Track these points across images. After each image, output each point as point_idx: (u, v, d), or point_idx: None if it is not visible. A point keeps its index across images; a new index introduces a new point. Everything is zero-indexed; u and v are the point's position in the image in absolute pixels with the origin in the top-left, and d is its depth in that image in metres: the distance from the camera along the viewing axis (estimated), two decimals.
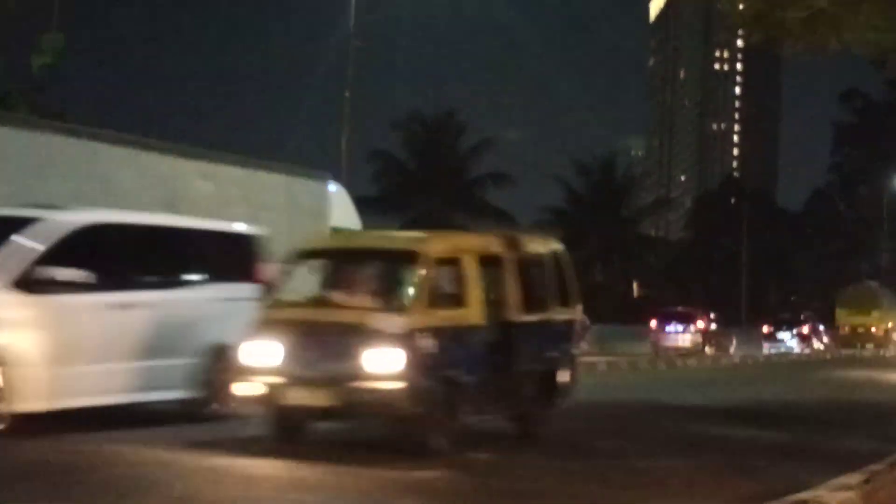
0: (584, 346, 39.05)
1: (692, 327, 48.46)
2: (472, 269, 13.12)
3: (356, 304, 12.48)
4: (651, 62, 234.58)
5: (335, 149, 41.11)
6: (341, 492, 10.03)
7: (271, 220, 20.67)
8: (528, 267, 14.32)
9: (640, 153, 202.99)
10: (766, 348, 57.74)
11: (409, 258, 12.76)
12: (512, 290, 13.80)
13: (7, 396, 12.12)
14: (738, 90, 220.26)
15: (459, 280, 13.10)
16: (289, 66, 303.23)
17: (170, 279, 14.55)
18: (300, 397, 12.05)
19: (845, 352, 60.93)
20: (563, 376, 14.70)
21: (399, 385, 11.78)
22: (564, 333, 15.07)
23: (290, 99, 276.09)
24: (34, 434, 12.00)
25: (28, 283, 12.44)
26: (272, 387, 12.08)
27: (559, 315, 14.81)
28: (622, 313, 50.79)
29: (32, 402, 12.36)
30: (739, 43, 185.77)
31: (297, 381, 11.99)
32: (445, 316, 12.61)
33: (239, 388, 12.43)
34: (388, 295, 12.80)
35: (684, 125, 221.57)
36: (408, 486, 10.42)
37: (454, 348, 12.54)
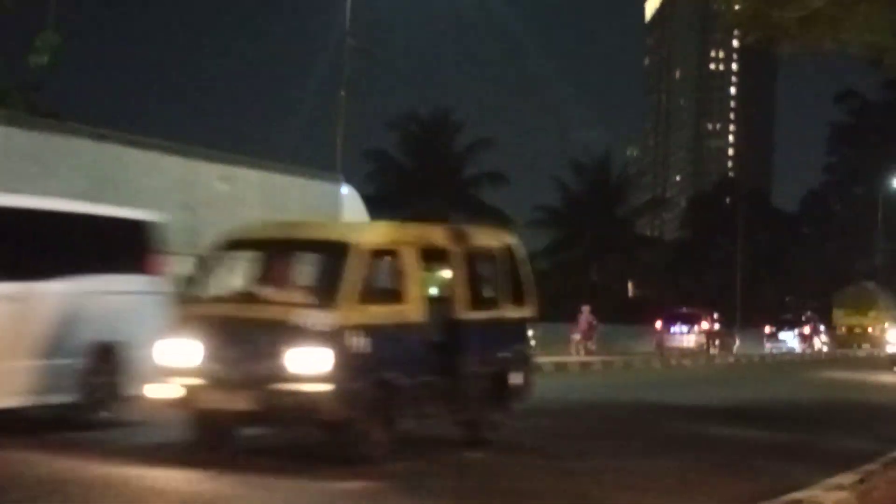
0: (592, 346, 39.59)
1: (696, 328, 49.12)
2: (411, 263, 12.22)
3: (282, 300, 11.56)
4: (647, 61, 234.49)
5: (331, 148, 41.11)
6: None
7: (285, 219, 20.36)
8: (478, 261, 13.52)
9: (635, 152, 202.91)
10: (769, 348, 58.31)
11: (340, 250, 11.69)
12: (458, 286, 12.95)
13: None
14: (733, 90, 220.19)
15: (397, 274, 12.20)
16: (285, 66, 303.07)
17: (48, 269, 12.83)
18: (219, 400, 11.13)
19: (840, 351, 61.14)
20: (515, 378, 13.78)
21: (326, 387, 10.88)
22: (517, 333, 14.12)
23: (286, 98, 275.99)
24: None
25: None
26: (190, 389, 11.18)
27: (512, 313, 13.89)
28: (621, 313, 50.83)
29: None
30: (735, 43, 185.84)
31: (216, 382, 11.11)
32: (381, 312, 11.71)
33: (153, 390, 11.47)
34: (318, 289, 11.89)
35: (680, 125, 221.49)
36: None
37: (390, 348, 11.63)
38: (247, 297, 11.82)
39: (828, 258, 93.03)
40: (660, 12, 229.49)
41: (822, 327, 66.88)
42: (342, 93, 41.05)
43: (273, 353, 10.94)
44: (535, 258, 76.31)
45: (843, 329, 68.36)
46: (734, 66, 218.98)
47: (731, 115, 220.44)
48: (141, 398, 12.16)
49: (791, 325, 63.64)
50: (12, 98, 26.44)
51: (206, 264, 12.26)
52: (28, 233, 12.84)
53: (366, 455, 11.22)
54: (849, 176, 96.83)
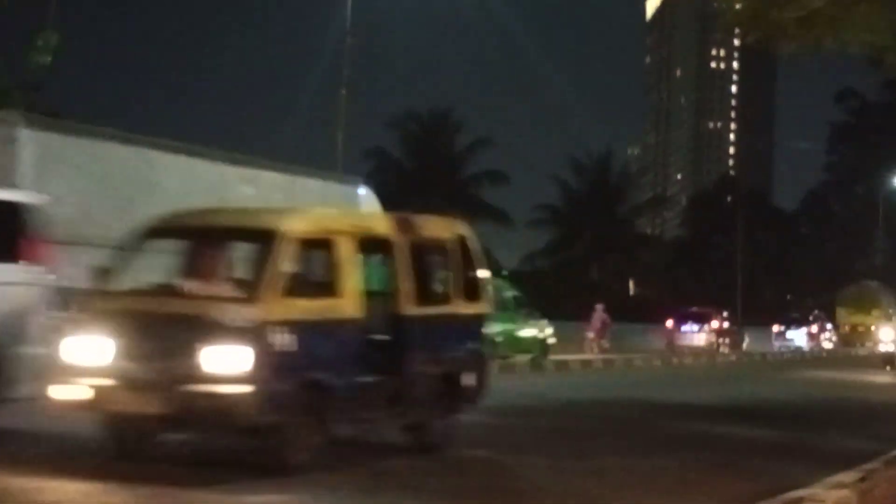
0: (605, 344, 40.05)
1: (707, 327, 49.83)
2: (347, 253, 11.23)
3: (203, 293, 10.67)
4: (647, 60, 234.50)
5: (331, 146, 41.14)
6: None
7: None
8: (426, 253, 12.59)
9: (635, 151, 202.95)
10: (777, 346, 58.91)
11: (265, 238, 10.77)
12: (402, 279, 11.95)
13: None
14: (734, 89, 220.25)
15: (332, 265, 11.20)
16: (285, 64, 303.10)
17: None
18: (130, 403, 10.20)
19: (843, 350, 61.26)
20: (468, 379, 12.78)
21: (244, 389, 9.96)
22: (470, 330, 13.09)
23: (286, 96, 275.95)
24: None
25: None
26: (99, 390, 10.22)
27: (464, 309, 12.85)
28: (621, 311, 50.99)
29: None
30: (736, 42, 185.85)
31: (127, 383, 10.17)
32: (311, 307, 10.77)
33: (58, 392, 10.44)
34: (242, 282, 11.01)
35: (680, 123, 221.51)
36: None
37: (321, 345, 10.73)
38: (165, 291, 10.92)
39: (828, 257, 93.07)
40: (660, 11, 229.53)
41: (829, 326, 67.48)
42: (343, 91, 41.09)
43: (186, 352, 10.02)
44: (536, 257, 76.78)
45: (847, 328, 68.69)
46: (735, 65, 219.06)
47: (732, 114, 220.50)
48: (29, 401, 11.25)
49: (799, 323, 64.16)
50: (12, 98, 26.45)
51: (123, 255, 11.32)
52: None
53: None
54: (849, 175, 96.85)
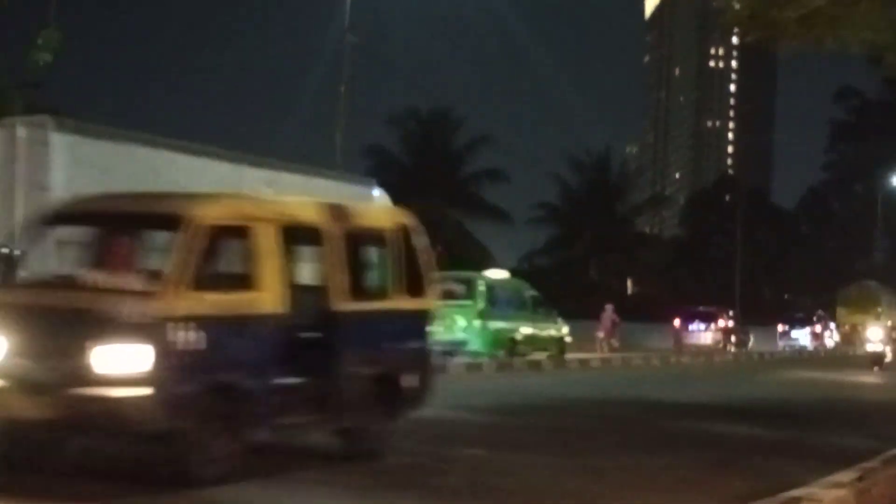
0: (615, 343, 40.92)
1: (713, 326, 50.78)
2: (268, 242, 10.28)
3: (103, 285, 9.74)
4: (646, 59, 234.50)
5: (331, 144, 41.17)
6: None
7: None
8: (362, 243, 11.75)
9: (635, 150, 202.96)
10: (782, 346, 59.52)
11: (172, 225, 9.78)
12: (334, 272, 11.05)
13: None
14: (733, 88, 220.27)
15: (249, 255, 10.26)
16: (284, 62, 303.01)
17: None
18: (20, 407, 9.32)
19: (840, 350, 61.34)
20: (409, 380, 11.91)
21: (142, 392, 9.09)
22: (413, 327, 12.19)
23: (286, 94, 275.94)
24: None
25: None
26: None
27: (406, 305, 11.92)
28: (621, 310, 51.11)
29: None
30: (735, 40, 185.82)
31: (18, 384, 9.30)
32: (223, 301, 9.85)
33: None
34: (152, 273, 10.02)
35: (679, 122, 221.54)
36: None
37: (235, 344, 9.84)
38: (63, 282, 10.08)
39: (827, 256, 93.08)
40: (659, 10, 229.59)
41: (832, 325, 67.84)
42: (342, 89, 41.11)
43: (78, 350, 9.11)
44: (535, 256, 76.78)
45: (847, 327, 68.86)
46: (734, 64, 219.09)
47: (731, 113, 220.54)
48: None
49: (803, 323, 64.60)
50: (11, 96, 26.43)
51: (23, 243, 10.46)
52: None
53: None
54: (848, 174, 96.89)
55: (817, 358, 51.58)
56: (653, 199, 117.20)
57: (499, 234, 68.67)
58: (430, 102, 69.27)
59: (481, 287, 30.89)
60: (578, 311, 43.39)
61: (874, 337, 40.35)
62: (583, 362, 31.03)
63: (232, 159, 21.93)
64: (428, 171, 64.24)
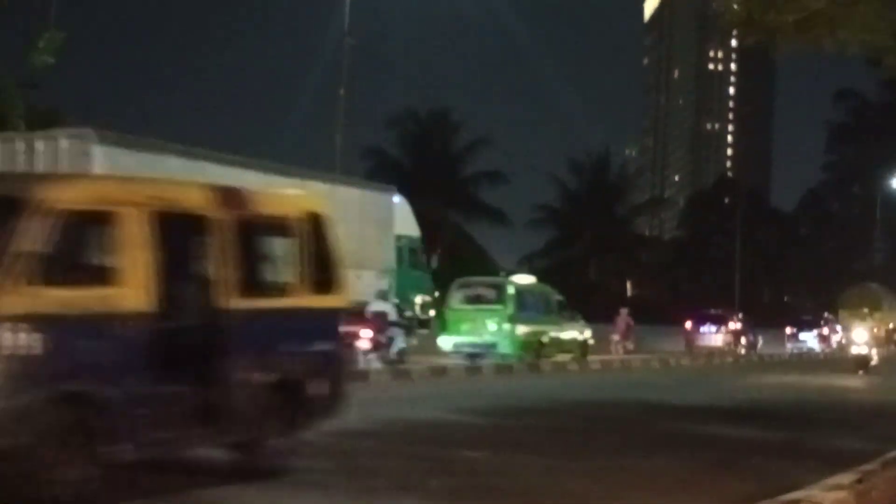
0: (630, 345, 41.73)
1: (724, 328, 51.46)
2: (135, 230, 8.98)
3: None
4: (645, 61, 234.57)
5: (330, 145, 41.21)
6: None
7: (346, 228, 23.39)
8: (260, 233, 10.56)
9: (634, 152, 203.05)
10: (790, 348, 60.17)
11: (12, 209, 8.44)
12: (223, 265, 9.80)
13: None
14: (732, 90, 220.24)
15: (112, 245, 8.98)
16: (284, 64, 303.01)
17: None
18: None
19: (841, 352, 61.56)
20: (316, 387, 10.66)
21: None
22: (322, 328, 10.97)
23: (285, 96, 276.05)
24: None
25: None
26: None
27: (312, 302, 10.70)
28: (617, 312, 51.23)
29: None
30: (734, 42, 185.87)
31: None
32: (74, 298, 8.54)
33: None
34: None
35: (678, 124, 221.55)
36: None
37: (87, 347, 8.58)
38: None
39: (826, 257, 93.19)
40: (659, 12, 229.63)
41: (838, 328, 68.20)
42: (341, 91, 41.17)
43: None
44: (534, 258, 76.83)
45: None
46: (733, 66, 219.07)
47: (730, 115, 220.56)
48: None
49: (811, 326, 65.06)
50: (10, 97, 26.45)
51: None
52: None
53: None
54: (847, 175, 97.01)
55: (819, 360, 51.72)
56: (652, 200, 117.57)
57: (498, 236, 68.81)
58: (430, 104, 69.12)
59: (511, 292, 31.61)
60: (580, 312, 43.49)
61: (859, 339, 38.94)
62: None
63: (261, 168, 22.94)
64: (427, 172, 64.32)
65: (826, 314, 68.55)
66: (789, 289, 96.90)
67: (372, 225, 26.65)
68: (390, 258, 28.08)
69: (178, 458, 10.06)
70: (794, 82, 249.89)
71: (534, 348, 31.60)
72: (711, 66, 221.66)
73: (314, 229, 10.84)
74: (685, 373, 35.14)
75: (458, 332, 30.72)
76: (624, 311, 42.88)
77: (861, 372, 36.02)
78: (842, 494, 9.54)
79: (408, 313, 28.15)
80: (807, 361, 49.48)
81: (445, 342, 30.75)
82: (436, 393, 21.60)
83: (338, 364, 11.18)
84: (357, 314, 25.36)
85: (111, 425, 8.67)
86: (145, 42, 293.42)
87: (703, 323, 51.38)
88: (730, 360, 45.28)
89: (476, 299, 31.58)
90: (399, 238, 28.78)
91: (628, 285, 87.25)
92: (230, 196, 10.21)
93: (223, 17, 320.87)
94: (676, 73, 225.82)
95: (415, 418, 16.06)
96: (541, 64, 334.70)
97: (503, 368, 28.66)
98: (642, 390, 24.69)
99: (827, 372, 36.71)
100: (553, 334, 32.78)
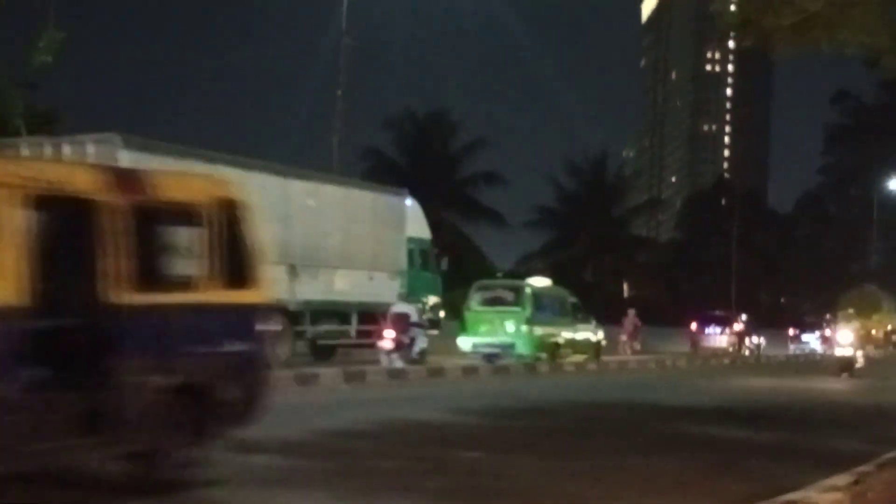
0: (637, 346, 42.38)
1: (728, 329, 52.48)
2: (3, 214, 8.01)
3: None
4: (643, 62, 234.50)
5: (327, 146, 41.22)
6: None
7: (359, 230, 25.82)
8: (160, 221, 9.43)
9: (631, 153, 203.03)
10: (793, 349, 60.59)
11: None
12: (112, 255, 8.72)
13: None
14: (729, 91, 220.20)
15: None
16: (281, 64, 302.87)
17: None
18: None
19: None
20: (228, 392, 9.71)
21: None
22: (235, 326, 9.92)
23: (282, 97, 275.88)
24: None
25: None
26: None
27: (223, 297, 9.68)
28: (616, 313, 51.31)
29: None
30: (731, 44, 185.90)
31: None
32: None
33: None
34: None
35: (675, 126, 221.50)
36: None
37: None
38: None
39: (824, 259, 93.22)
40: (656, 13, 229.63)
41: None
42: (339, 92, 41.19)
43: None
44: (532, 258, 76.80)
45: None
46: (730, 68, 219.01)
47: (727, 116, 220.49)
48: None
49: (813, 328, 65.38)
50: (10, 97, 26.45)
51: None
52: None
53: None
54: (845, 177, 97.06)
55: (817, 361, 51.76)
56: (649, 201, 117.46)
57: (495, 237, 68.83)
58: (427, 105, 69.21)
59: (528, 294, 32.42)
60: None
61: (844, 340, 37.16)
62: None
63: (278, 172, 23.92)
64: (424, 173, 64.32)
65: (828, 316, 68.78)
66: (787, 290, 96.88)
67: (385, 227, 27.56)
68: (402, 260, 28.74)
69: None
70: (791, 84, 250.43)
71: (550, 349, 32.54)
72: (709, 68, 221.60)
73: (227, 217, 9.83)
74: (689, 373, 35.53)
75: (476, 333, 31.64)
76: (631, 313, 43.71)
77: (845, 375, 34.64)
78: (838, 496, 9.57)
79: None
80: (804, 363, 49.60)
81: (465, 342, 31.69)
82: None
83: (254, 366, 10.11)
84: (381, 315, 26.53)
85: None
86: (145, 42, 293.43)
87: (708, 324, 52.31)
88: (726, 361, 45.44)
89: (495, 301, 32.45)
90: (411, 240, 29.41)
91: (625, 286, 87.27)
92: (124, 179, 9.19)
93: (222, 18, 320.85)
94: (674, 75, 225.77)
95: (419, 418, 16.10)
96: (539, 65, 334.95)
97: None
98: (649, 391, 24.75)
99: (812, 375, 35.63)
100: (568, 336, 33.79)
